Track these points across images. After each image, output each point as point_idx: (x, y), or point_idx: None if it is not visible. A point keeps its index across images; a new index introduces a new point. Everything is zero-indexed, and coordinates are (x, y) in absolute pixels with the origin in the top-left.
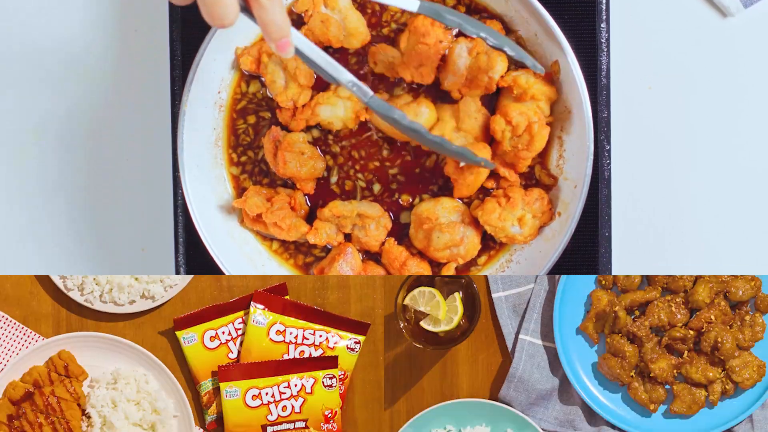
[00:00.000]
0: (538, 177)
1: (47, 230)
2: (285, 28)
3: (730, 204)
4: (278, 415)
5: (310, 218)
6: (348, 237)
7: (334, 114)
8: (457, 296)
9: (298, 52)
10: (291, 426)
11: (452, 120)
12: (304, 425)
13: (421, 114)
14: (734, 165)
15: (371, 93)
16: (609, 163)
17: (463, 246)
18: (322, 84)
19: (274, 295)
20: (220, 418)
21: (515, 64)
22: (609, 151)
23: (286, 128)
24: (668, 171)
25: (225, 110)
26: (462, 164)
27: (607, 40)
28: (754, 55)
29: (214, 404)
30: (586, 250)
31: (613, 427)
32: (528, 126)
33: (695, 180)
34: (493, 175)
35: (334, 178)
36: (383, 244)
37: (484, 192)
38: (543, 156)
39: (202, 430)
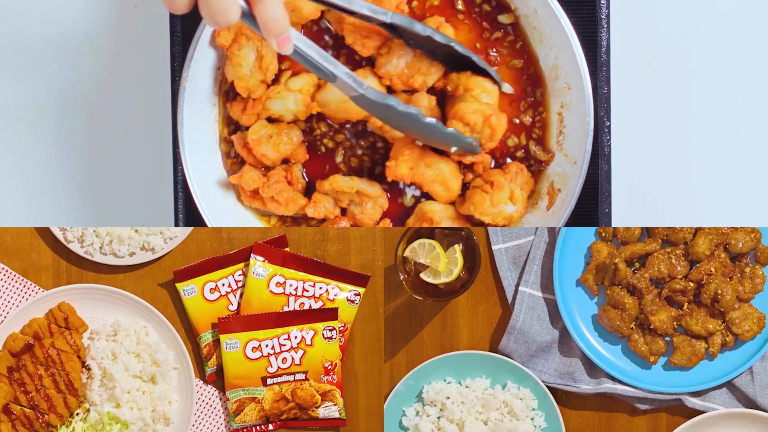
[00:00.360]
0: (533, 153)
1: (47, 205)
2: (285, 23)
3: (729, 177)
4: (278, 367)
5: (308, 194)
6: (344, 212)
7: (285, 107)
8: (457, 248)
9: (294, 49)
10: (291, 378)
11: None
12: (304, 377)
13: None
14: (733, 140)
15: (366, 84)
16: (609, 139)
17: None
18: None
19: (274, 247)
20: (220, 370)
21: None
22: (609, 127)
23: (237, 123)
24: (668, 147)
25: (224, 87)
26: (453, 149)
27: (607, 15)
28: (753, 31)
29: (214, 356)
30: (586, 226)
31: (612, 379)
32: (485, 120)
33: (695, 156)
34: (465, 167)
35: (339, 158)
36: (378, 223)
37: (463, 187)
38: (542, 132)
39: (201, 382)
